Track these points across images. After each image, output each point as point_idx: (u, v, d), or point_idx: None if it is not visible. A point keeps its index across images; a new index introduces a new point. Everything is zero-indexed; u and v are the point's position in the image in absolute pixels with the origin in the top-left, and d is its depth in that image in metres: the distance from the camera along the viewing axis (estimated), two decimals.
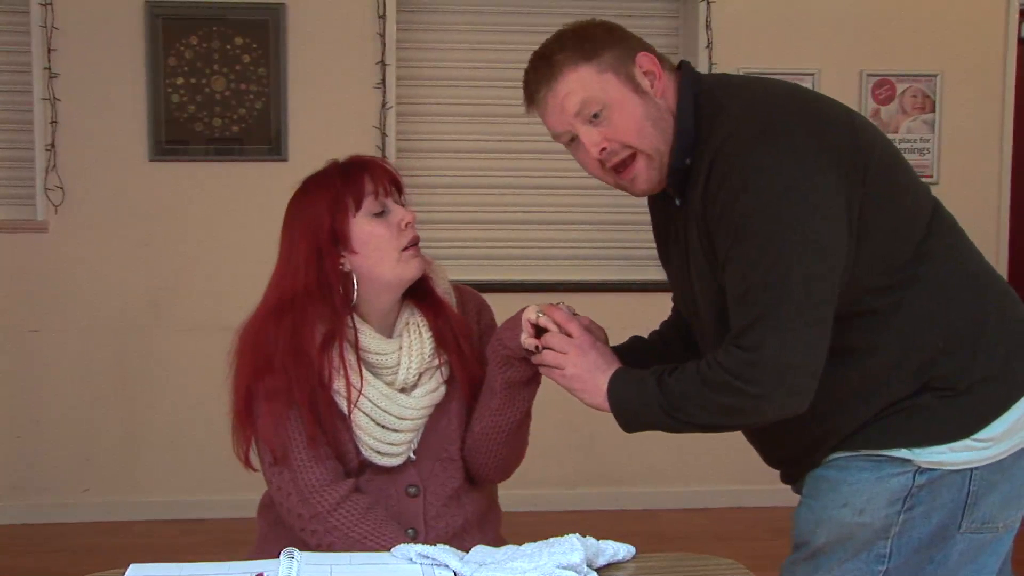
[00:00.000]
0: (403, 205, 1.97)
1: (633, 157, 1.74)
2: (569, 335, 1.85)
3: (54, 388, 4.39)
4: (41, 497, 4.37)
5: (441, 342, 1.97)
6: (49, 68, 4.25)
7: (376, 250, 1.91)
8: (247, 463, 1.97)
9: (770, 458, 1.92)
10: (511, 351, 1.92)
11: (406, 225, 1.92)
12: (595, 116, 1.73)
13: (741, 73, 1.87)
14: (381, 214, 1.93)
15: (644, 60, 1.74)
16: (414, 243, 1.93)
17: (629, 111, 1.72)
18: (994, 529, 1.74)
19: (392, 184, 1.95)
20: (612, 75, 1.72)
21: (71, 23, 4.25)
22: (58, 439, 4.39)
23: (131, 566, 1.65)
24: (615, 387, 1.79)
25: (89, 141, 4.31)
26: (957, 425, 1.69)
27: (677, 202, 1.79)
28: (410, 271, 1.93)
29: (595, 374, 1.81)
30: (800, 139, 1.64)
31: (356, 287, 1.92)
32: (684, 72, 1.78)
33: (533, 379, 1.97)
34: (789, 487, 1.91)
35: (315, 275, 1.90)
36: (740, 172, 1.63)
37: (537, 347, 1.86)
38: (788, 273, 1.60)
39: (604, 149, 1.73)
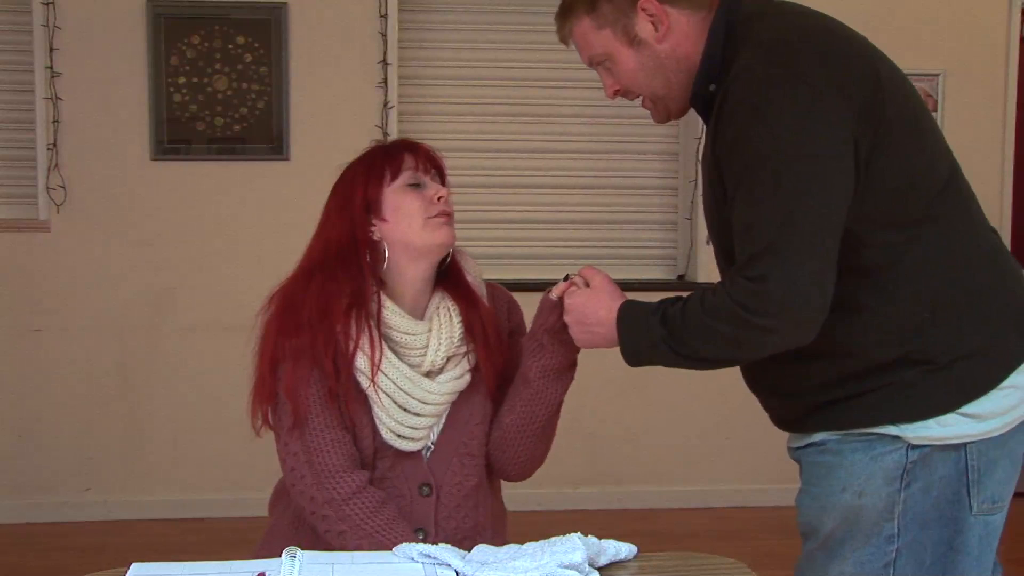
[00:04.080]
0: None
1: (640, 97, 1.88)
2: None
3: (56, 387, 4.39)
4: (43, 496, 4.38)
5: (469, 330, 1.98)
6: (51, 67, 4.25)
7: (406, 217, 1.94)
8: (265, 423, 1.96)
9: (753, 383, 1.92)
10: (543, 321, 1.94)
11: (439, 199, 1.95)
12: (603, 63, 1.86)
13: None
14: (417, 186, 1.97)
15: (648, 5, 1.78)
16: (444, 213, 1.96)
17: (623, 65, 1.83)
18: (1002, 508, 1.75)
19: (434, 167, 2.01)
20: (609, 31, 1.82)
21: (73, 22, 4.26)
22: (60, 438, 4.39)
23: (133, 565, 1.65)
24: (624, 316, 1.80)
25: (91, 140, 4.32)
26: (940, 400, 1.69)
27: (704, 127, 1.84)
28: (439, 237, 1.95)
29: (608, 300, 1.84)
30: (815, 79, 1.64)
31: (387, 254, 1.95)
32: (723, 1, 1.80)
33: (567, 369, 1.98)
34: (790, 486, 1.91)
35: (345, 241, 1.95)
36: (751, 104, 1.65)
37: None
38: (794, 207, 1.61)
39: (617, 91, 1.89)
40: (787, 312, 1.62)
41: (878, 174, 1.66)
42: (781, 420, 1.89)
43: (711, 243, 1.91)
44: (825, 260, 1.63)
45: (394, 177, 1.96)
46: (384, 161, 1.98)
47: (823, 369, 1.74)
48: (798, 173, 1.61)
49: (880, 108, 1.67)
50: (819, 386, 1.76)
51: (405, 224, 1.94)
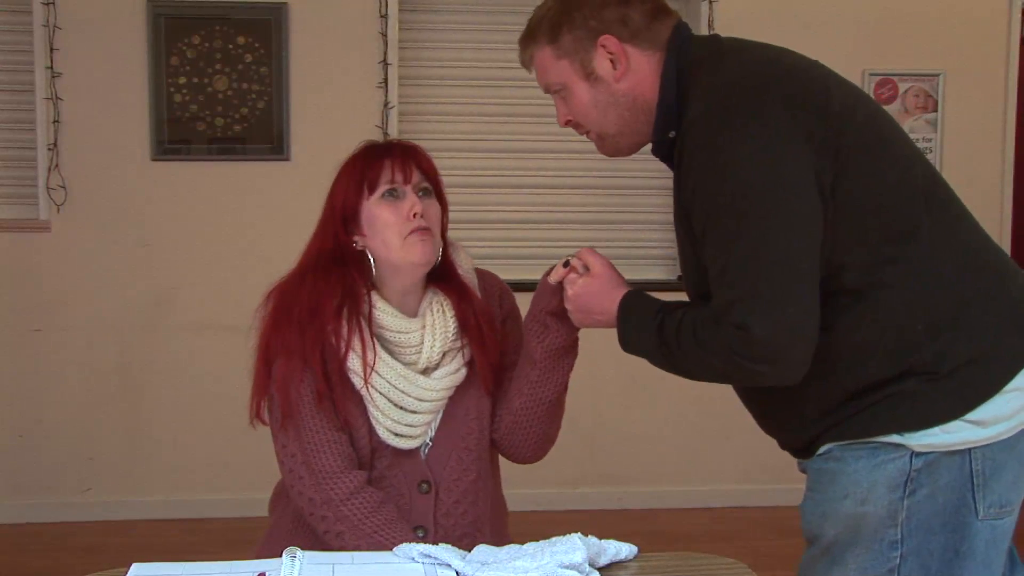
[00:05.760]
0: (435, 196, 2.00)
1: (588, 131, 1.88)
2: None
3: (56, 387, 4.39)
4: (43, 497, 4.38)
5: (463, 325, 1.99)
6: (51, 67, 4.25)
7: (382, 232, 1.94)
8: (258, 417, 1.97)
9: (755, 416, 1.92)
10: (545, 305, 1.95)
11: (414, 215, 1.93)
12: (559, 91, 1.86)
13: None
14: (394, 199, 1.94)
15: (608, 43, 1.78)
16: (419, 230, 1.94)
17: (578, 97, 1.83)
18: (1011, 511, 1.73)
19: (420, 172, 1.98)
20: (567, 62, 1.82)
21: (73, 22, 4.26)
22: (60, 439, 4.39)
23: (133, 565, 1.65)
24: (624, 312, 1.82)
25: (91, 140, 4.32)
26: (944, 408, 1.68)
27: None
28: (414, 256, 1.94)
29: (611, 289, 1.86)
30: (767, 117, 1.64)
31: (372, 264, 1.95)
32: (672, 41, 1.79)
33: (571, 347, 1.99)
34: (789, 486, 1.91)
35: (334, 248, 1.96)
36: (706, 151, 1.65)
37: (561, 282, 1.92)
38: (763, 249, 1.61)
39: (569, 121, 1.88)
40: (775, 356, 1.63)
41: (846, 199, 1.65)
42: (789, 447, 1.88)
43: (683, 280, 1.90)
44: (803, 297, 1.63)
45: (372, 190, 1.95)
46: (364, 171, 1.96)
47: (824, 394, 1.73)
48: (761, 214, 1.61)
49: (837, 135, 1.66)
50: (823, 412, 1.75)
51: (381, 240, 1.94)
